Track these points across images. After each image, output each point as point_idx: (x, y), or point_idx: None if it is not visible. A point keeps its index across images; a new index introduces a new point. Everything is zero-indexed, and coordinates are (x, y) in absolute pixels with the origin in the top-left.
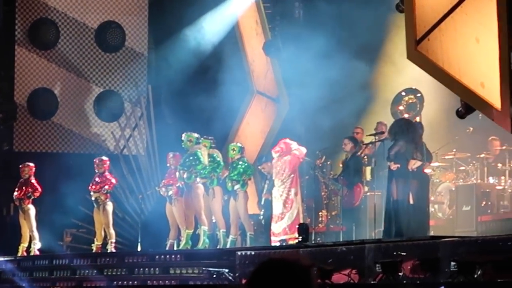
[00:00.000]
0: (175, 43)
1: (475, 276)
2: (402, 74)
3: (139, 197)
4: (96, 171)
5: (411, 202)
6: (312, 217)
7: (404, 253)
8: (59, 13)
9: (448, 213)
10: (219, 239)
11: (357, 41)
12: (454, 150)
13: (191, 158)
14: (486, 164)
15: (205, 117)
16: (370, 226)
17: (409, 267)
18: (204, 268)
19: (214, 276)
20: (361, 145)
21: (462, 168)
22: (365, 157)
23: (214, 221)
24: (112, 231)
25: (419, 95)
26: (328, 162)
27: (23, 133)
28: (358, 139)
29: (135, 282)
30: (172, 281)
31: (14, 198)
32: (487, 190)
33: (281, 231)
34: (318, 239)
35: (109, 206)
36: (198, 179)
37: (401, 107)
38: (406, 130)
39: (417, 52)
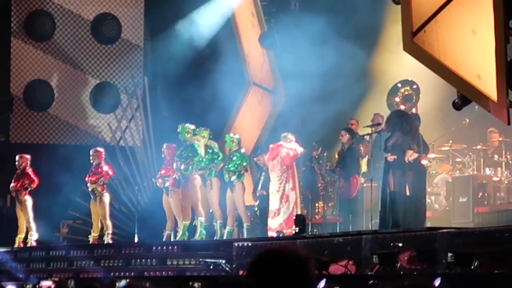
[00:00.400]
0: (171, 35)
1: (472, 267)
2: (399, 64)
3: (136, 188)
4: (92, 162)
5: (408, 193)
6: (308, 208)
7: (401, 244)
8: (55, 4)
9: (444, 205)
10: (216, 230)
11: (353, 32)
12: (451, 141)
13: (188, 149)
14: (482, 156)
15: (201, 108)
16: (367, 217)
17: (406, 258)
18: (201, 259)
19: (211, 267)
20: (357, 136)
21: (458, 159)
22: (361, 148)
23: (211, 211)
24: (109, 223)
25: (415, 86)
26: (325, 154)
27: (19, 124)
28: (354, 131)
29: (132, 273)
30: (169, 272)
31: (11, 189)
32: (484, 181)
33: (278, 226)
34: (315, 230)
35: (106, 198)
36: (195, 171)
37: (397, 99)
38: (403, 122)
39: (413, 44)
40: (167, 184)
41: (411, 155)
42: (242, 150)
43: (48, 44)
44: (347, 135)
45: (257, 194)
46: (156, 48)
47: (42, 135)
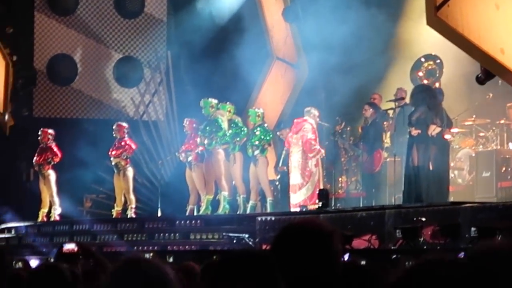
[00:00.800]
0: (195, 9)
1: None
2: (422, 36)
3: (159, 162)
4: (115, 136)
5: (431, 168)
6: (332, 183)
7: (424, 219)
8: None
9: (468, 179)
10: (239, 204)
11: (377, 2)
12: (474, 116)
13: (212, 124)
14: (506, 130)
15: (224, 83)
16: (390, 192)
17: (429, 232)
18: (224, 234)
19: (234, 241)
20: (380, 111)
21: (481, 134)
22: (385, 123)
23: (234, 185)
24: (132, 197)
25: (438, 61)
26: (348, 128)
27: (42, 99)
28: (377, 105)
29: (155, 248)
30: (192, 246)
31: (34, 163)
32: (507, 156)
33: (301, 202)
34: (338, 204)
35: (130, 172)
36: (218, 145)
37: (420, 73)
38: (427, 96)
39: (437, 18)
40: (190, 158)
41: (434, 130)
42: (266, 125)
43: (72, 19)
44: (371, 110)
45: (278, 170)
46: (180, 23)
47: (65, 110)
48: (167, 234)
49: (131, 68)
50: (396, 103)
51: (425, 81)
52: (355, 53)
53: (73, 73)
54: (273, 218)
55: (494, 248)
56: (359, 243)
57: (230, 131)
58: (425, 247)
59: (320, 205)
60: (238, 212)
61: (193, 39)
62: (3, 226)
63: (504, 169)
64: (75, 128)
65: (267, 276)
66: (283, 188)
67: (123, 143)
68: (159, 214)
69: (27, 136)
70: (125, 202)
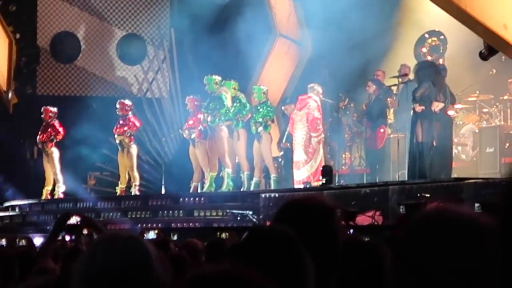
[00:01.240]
0: None
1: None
2: (426, 13)
3: (163, 140)
4: (118, 114)
5: (435, 144)
6: (335, 159)
7: (428, 195)
8: None
9: (471, 155)
10: (243, 181)
11: None
12: (477, 92)
13: (215, 101)
14: (509, 106)
15: (227, 60)
16: (394, 168)
17: None
18: (228, 211)
19: (238, 218)
20: (384, 87)
21: (485, 110)
22: (388, 99)
23: (237, 162)
24: (136, 174)
25: (442, 37)
26: (351, 104)
27: (46, 76)
28: (381, 81)
29: (159, 225)
30: (196, 224)
31: (38, 141)
32: (511, 132)
33: (304, 178)
34: (342, 181)
35: (134, 149)
36: (222, 122)
37: (424, 49)
38: (431, 72)
39: None
40: (193, 135)
41: (437, 106)
42: (269, 102)
43: None
44: (374, 86)
45: (282, 146)
46: (183, 0)
47: (68, 87)
48: (171, 212)
49: (134, 46)
50: (400, 79)
51: (429, 57)
52: (358, 30)
53: (76, 50)
54: (277, 195)
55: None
56: (362, 219)
57: (233, 108)
58: None
59: (323, 182)
60: (241, 189)
61: (196, 16)
62: (7, 204)
63: (507, 144)
64: (78, 106)
65: (295, 255)
66: (286, 165)
67: (127, 121)
68: (163, 191)
69: (30, 114)
70: (129, 179)
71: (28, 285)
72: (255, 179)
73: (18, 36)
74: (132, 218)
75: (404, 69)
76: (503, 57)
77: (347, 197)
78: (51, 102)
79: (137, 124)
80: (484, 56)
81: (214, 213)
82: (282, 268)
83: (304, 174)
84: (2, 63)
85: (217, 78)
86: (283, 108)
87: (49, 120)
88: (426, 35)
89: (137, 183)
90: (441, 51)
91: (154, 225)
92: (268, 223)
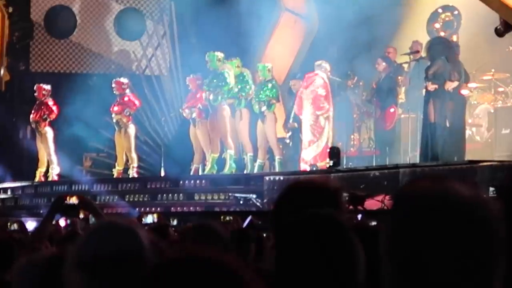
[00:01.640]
0: None
1: None
2: None
3: (162, 119)
4: (115, 93)
5: (447, 125)
6: (343, 141)
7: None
8: None
9: (486, 137)
10: (246, 163)
11: None
12: (493, 70)
13: (217, 78)
14: None
15: (230, 36)
16: (405, 150)
17: None
18: (230, 194)
19: (241, 202)
20: (394, 65)
21: (501, 89)
22: (399, 77)
23: (241, 143)
24: (134, 155)
25: (456, 12)
26: (360, 83)
27: (40, 52)
28: (391, 59)
29: (158, 209)
30: (197, 208)
31: (31, 120)
32: None
33: (311, 160)
34: (350, 163)
35: (131, 129)
36: (224, 101)
37: (437, 25)
38: (444, 49)
39: None
40: (194, 115)
41: (451, 84)
42: (274, 80)
43: None
44: (384, 64)
45: (288, 126)
46: None
47: (63, 64)
48: (170, 195)
49: (132, 20)
50: (411, 57)
51: (442, 33)
52: (368, 4)
53: (71, 25)
54: (281, 178)
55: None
56: (372, 203)
57: (236, 86)
58: None
59: (331, 164)
60: (245, 172)
61: None
62: None
63: None
64: (73, 83)
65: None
66: (294, 146)
67: (126, 99)
68: (162, 173)
69: (23, 91)
70: (127, 161)
71: (23, 261)
72: (259, 161)
73: (10, 10)
74: (130, 202)
75: (416, 45)
76: None
77: (355, 181)
78: (45, 79)
79: (137, 103)
80: (500, 33)
81: (215, 197)
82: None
83: (311, 154)
84: None
85: (220, 54)
86: (290, 83)
87: (42, 98)
88: (439, 10)
89: (135, 165)
90: (454, 27)
91: (153, 209)
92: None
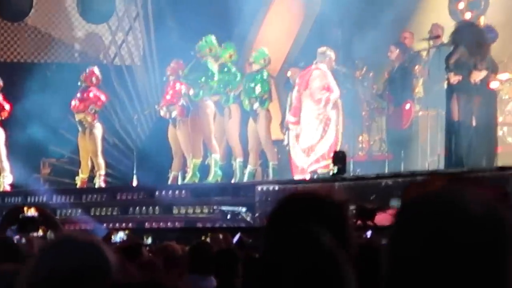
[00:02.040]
0: None
1: None
2: None
3: (135, 118)
4: (79, 85)
5: (474, 123)
6: (350, 143)
7: None
8: None
9: None
10: (235, 170)
11: None
12: None
13: (197, 68)
14: None
15: (215, 17)
16: (423, 154)
17: None
18: (215, 207)
19: (228, 216)
20: (411, 52)
21: None
22: (416, 67)
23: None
24: (101, 161)
25: None
26: (370, 74)
27: None
28: (407, 45)
29: (130, 224)
30: (176, 223)
31: None
32: None
33: (311, 166)
34: (358, 170)
35: (98, 130)
36: (207, 96)
37: (461, 5)
38: (469, 33)
39: None
40: (174, 113)
41: (478, 75)
42: (265, 71)
43: None
44: (397, 51)
45: (285, 125)
46: None
47: (17, 52)
48: (144, 208)
49: None
50: (431, 43)
51: (468, 14)
52: None
53: (26, 6)
54: (276, 188)
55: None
56: (383, 218)
57: (220, 77)
58: None
59: (335, 171)
60: (233, 180)
61: None
62: None
63: None
64: (29, 75)
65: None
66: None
67: (90, 94)
68: (135, 182)
69: None
70: (92, 167)
71: None
72: (249, 168)
73: None
74: (96, 216)
75: (436, 29)
76: None
77: (364, 191)
78: None
79: (103, 98)
80: None
81: (198, 210)
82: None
83: (311, 160)
84: None
85: (213, 41)
86: (288, 73)
87: None
88: None
89: (102, 172)
90: (481, 7)
91: (124, 224)
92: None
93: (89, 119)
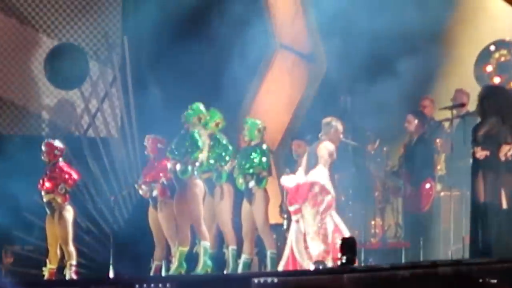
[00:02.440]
0: None
1: None
2: (491, 17)
3: (112, 199)
4: (44, 160)
5: (504, 206)
6: (361, 228)
7: (495, 281)
8: None
9: None
10: (227, 260)
11: None
12: None
13: (185, 141)
14: None
15: (205, 82)
16: (445, 241)
17: None
18: None
19: None
20: (431, 123)
21: None
22: (438, 140)
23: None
24: (72, 249)
25: None
26: (384, 148)
27: None
28: (426, 115)
29: None
30: None
31: None
32: None
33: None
34: (370, 259)
35: (68, 213)
36: (196, 173)
37: (489, 68)
38: (500, 102)
39: None
40: (155, 192)
41: (509, 150)
42: (264, 145)
43: None
44: (416, 121)
45: (284, 208)
46: None
47: None
48: None
49: (70, 61)
50: (454, 112)
51: (497, 79)
52: (394, 40)
53: None
54: (275, 280)
55: None
56: None
57: (211, 152)
58: None
59: (343, 261)
60: (225, 271)
61: (160, 19)
62: None
63: None
64: None
65: None
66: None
67: (59, 171)
68: (111, 274)
69: None
70: (62, 256)
71: None
72: (244, 257)
73: None
74: None
75: (461, 96)
76: None
77: (377, 283)
78: None
79: (75, 176)
80: None
81: None
82: None
83: (315, 249)
84: None
85: (202, 109)
86: (293, 146)
87: None
88: (492, 48)
89: (74, 262)
90: None
91: None
92: None
93: (59, 200)
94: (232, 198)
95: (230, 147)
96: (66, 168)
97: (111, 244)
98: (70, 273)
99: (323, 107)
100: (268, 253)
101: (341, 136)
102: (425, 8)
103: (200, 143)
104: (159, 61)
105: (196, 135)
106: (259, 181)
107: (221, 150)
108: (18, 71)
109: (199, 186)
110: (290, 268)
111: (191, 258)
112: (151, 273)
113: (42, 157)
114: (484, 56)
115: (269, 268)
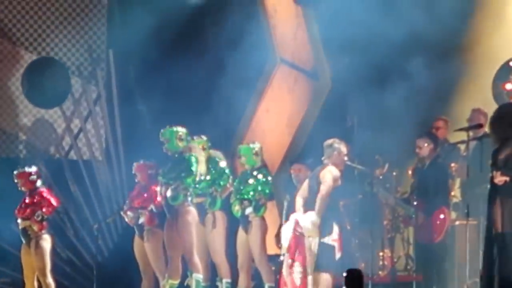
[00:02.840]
0: None
1: None
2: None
3: (94, 227)
4: (20, 189)
5: None
6: (368, 259)
7: None
8: None
9: None
10: None
11: None
12: None
13: (179, 165)
14: None
15: (197, 101)
16: (460, 275)
17: None
18: None
19: None
20: (445, 146)
21: None
22: (452, 165)
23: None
24: (50, 281)
25: None
26: (394, 173)
27: None
28: (440, 137)
29: None
30: None
31: None
32: None
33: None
34: None
35: (46, 242)
36: (189, 199)
37: (509, 86)
38: None
39: None
40: (141, 220)
41: None
42: (265, 168)
43: None
44: (429, 144)
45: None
46: (128, 6)
47: None
48: None
49: (50, 77)
50: (471, 133)
51: None
52: (404, 56)
53: None
54: None
55: None
56: None
57: (207, 176)
58: None
59: None
60: None
61: (148, 32)
62: None
63: None
64: None
65: None
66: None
67: (37, 197)
68: None
69: None
70: None
71: None
72: None
73: None
74: None
75: (478, 116)
76: None
77: None
78: None
79: (54, 202)
80: None
81: None
82: None
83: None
84: None
85: (182, 130)
86: (292, 170)
87: None
88: None
89: None
90: None
91: None
92: None
93: (35, 228)
94: (225, 226)
95: (227, 172)
96: (45, 194)
97: (94, 276)
98: None
99: (327, 128)
100: (266, 286)
101: (346, 158)
102: (439, 20)
103: (193, 168)
104: (147, 77)
105: (192, 159)
106: (258, 208)
107: (216, 174)
108: None
109: (192, 213)
110: None
111: None
112: None
113: (19, 185)
114: (503, 72)
115: None
